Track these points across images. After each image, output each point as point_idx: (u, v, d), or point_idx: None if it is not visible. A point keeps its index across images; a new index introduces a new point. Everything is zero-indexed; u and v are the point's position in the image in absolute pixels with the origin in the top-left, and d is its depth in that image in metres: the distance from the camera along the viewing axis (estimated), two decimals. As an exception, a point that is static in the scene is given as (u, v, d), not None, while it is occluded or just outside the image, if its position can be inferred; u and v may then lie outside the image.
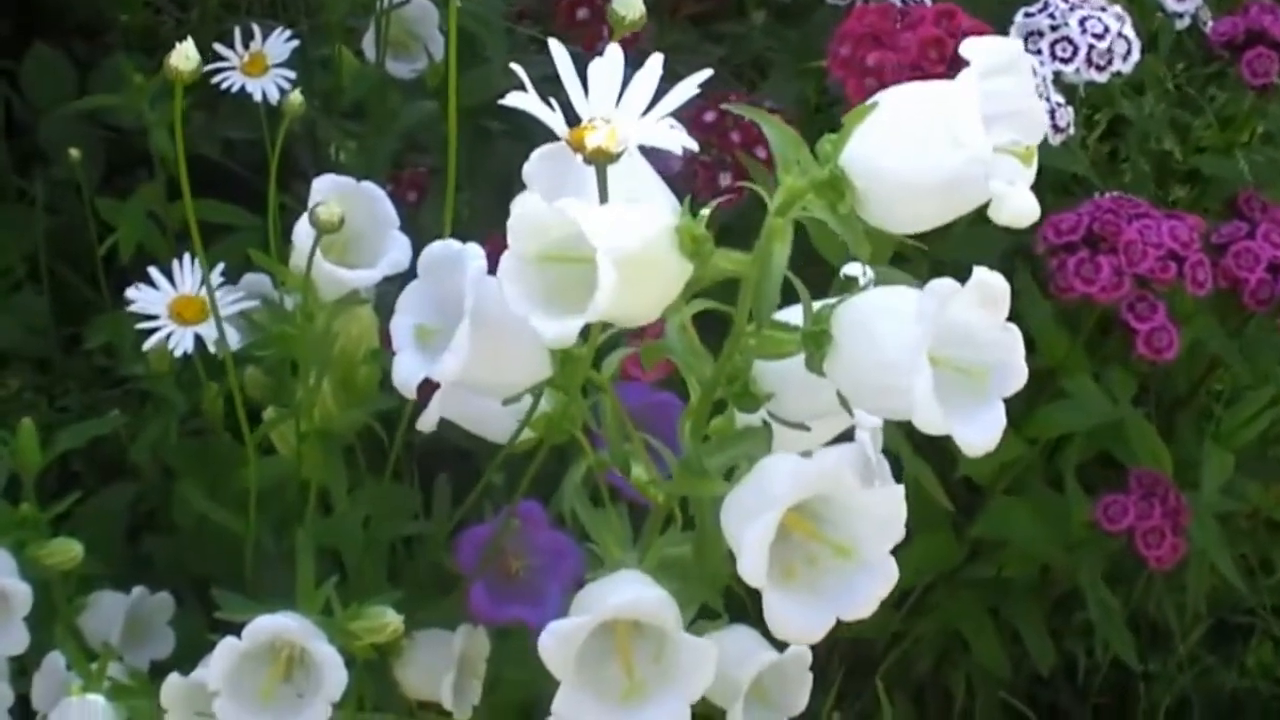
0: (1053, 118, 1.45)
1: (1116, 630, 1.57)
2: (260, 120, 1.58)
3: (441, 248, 1.05)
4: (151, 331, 1.35)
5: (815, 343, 0.94)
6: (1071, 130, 1.46)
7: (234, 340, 1.36)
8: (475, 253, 1.01)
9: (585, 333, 1.04)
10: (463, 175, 1.53)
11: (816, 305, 0.95)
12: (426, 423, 1.17)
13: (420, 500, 1.48)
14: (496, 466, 1.22)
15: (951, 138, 0.84)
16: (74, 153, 1.54)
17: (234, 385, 1.29)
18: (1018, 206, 0.87)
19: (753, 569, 0.93)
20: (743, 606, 1.17)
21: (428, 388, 1.16)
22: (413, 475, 1.54)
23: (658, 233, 0.89)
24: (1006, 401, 0.94)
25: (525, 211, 0.88)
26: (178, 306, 1.33)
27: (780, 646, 1.21)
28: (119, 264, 1.67)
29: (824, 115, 1.31)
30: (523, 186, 0.97)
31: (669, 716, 1.01)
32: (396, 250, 1.25)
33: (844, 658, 1.60)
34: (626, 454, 1.07)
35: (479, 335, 0.99)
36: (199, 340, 1.37)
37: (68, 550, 1.35)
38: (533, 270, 0.89)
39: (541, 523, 1.29)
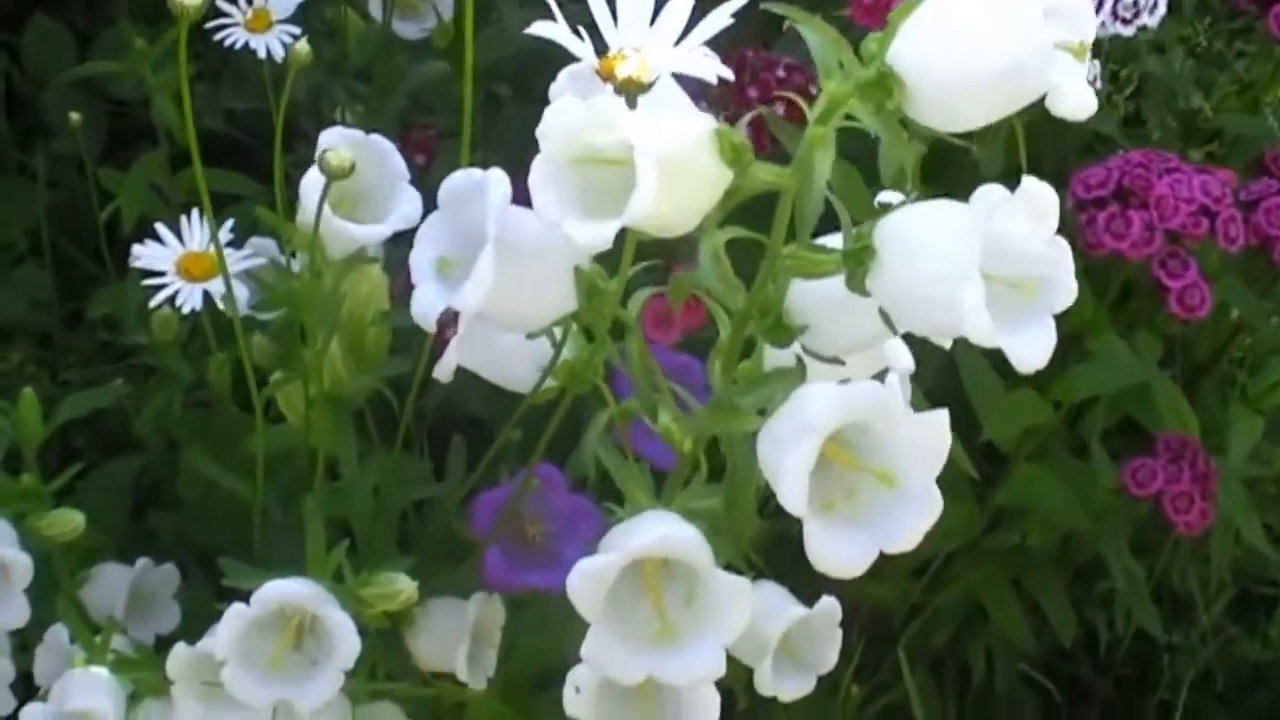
0: (1079, 72, 1.39)
1: (1140, 600, 1.51)
2: (262, 90, 1.53)
3: (463, 177, 0.99)
4: (157, 291, 1.28)
5: (857, 260, 0.88)
6: (1099, 84, 1.40)
7: (243, 300, 1.30)
8: (498, 179, 0.96)
9: (613, 268, 0.99)
10: (473, 138, 1.47)
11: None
12: (444, 371, 1.11)
13: (431, 470, 1.42)
14: (515, 422, 1.16)
15: (1010, 26, 0.79)
16: (74, 116, 1.48)
17: (243, 349, 1.22)
18: (1077, 99, 0.82)
19: (793, 496, 0.87)
20: (759, 575, 1.11)
21: (444, 340, 1.10)
22: (422, 446, 1.48)
23: (697, 136, 0.83)
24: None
25: (560, 112, 0.83)
26: (185, 263, 1.27)
27: (809, 603, 1.15)
28: (121, 239, 1.62)
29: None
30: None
31: (703, 659, 0.95)
32: (407, 205, 1.19)
33: (863, 629, 1.54)
34: (654, 400, 1.01)
35: (502, 263, 0.93)
36: (205, 307, 1.31)
37: (69, 521, 1.29)
38: (566, 176, 0.83)
39: (560, 486, 1.23)
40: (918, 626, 1.57)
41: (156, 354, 1.47)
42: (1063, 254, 0.88)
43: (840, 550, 0.90)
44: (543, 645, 1.32)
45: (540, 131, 0.83)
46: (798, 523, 0.90)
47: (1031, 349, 0.86)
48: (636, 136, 0.78)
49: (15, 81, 1.82)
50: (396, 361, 1.30)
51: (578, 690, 1.00)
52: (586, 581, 0.93)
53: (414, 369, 1.30)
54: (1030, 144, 1.37)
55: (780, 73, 1.42)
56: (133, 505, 1.57)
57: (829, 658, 1.15)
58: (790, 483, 0.87)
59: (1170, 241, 1.38)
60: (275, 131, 1.24)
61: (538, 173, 0.84)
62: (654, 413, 1.01)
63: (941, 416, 0.90)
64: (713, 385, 0.98)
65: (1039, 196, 0.86)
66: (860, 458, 0.91)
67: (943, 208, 0.86)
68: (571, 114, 0.82)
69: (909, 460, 0.91)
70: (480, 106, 1.53)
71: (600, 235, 0.82)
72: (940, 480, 0.96)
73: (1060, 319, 0.89)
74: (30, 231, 1.73)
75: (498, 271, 0.93)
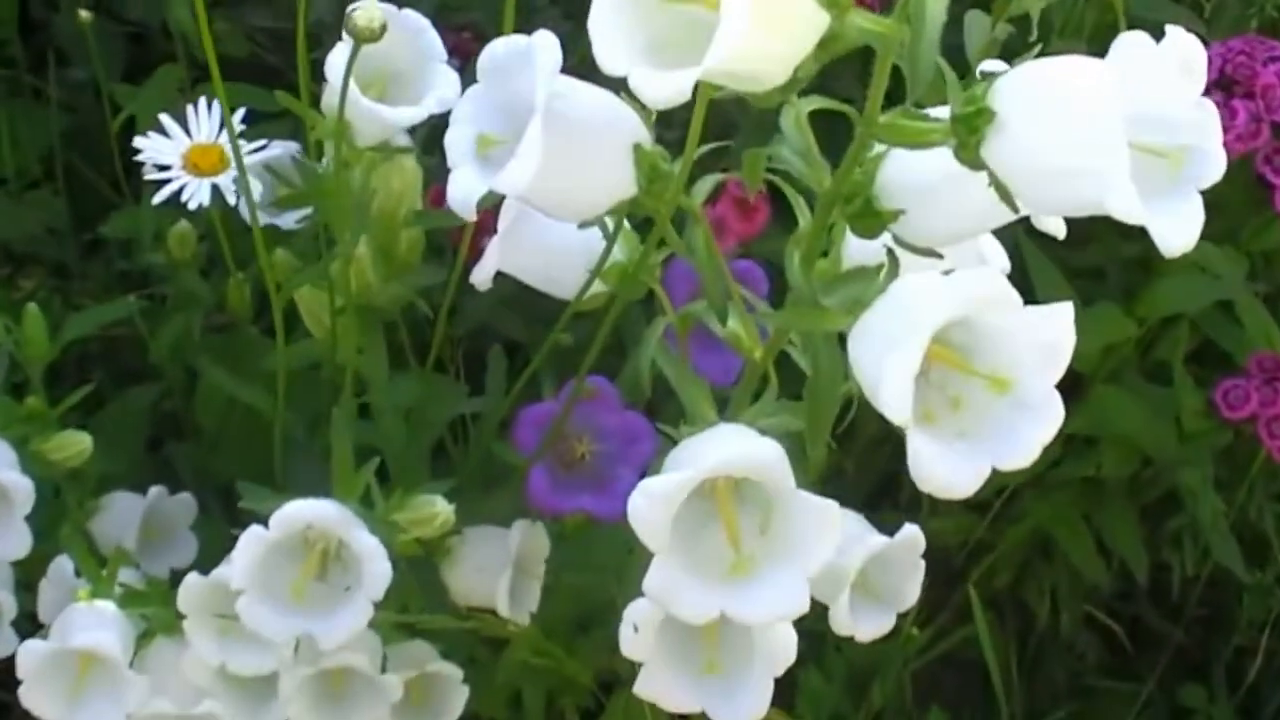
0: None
1: (1221, 536, 1.34)
2: (288, 10, 1.37)
3: (505, 44, 0.83)
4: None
5: (970, 125, 0.72)
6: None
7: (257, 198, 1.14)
8: (547, 43, 0.79)
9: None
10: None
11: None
12: (483, 275, 0.95)
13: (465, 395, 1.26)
14: (563, 325, 0.99)
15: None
16: (83, 14, 1.31)
17: (260, 249, 1.06)
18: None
19: (897, 401, 0.71)
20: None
21: (482, 240, 0.94)
22: (458, 372, 1.32)
23: (790, -38, 0.66)
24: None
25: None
26: (193, 156, 1.11)
27: (889, 532, 0.99)
28: (138, 167, 1.46)
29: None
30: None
31: (785, 595, 0.79)
32: (444, 85, 1.02)
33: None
34: (724, 299, 0.85)
35: (553, 137, 0.77)
36: (222, 226, 1.16)
37: (76, 444, 1.14)
38: (633, 17, 0.66)
39: (612, 401, 1.06)
40: (982, 565, 1.40)
41: (174, 274, 1.31)
42: (1211, 119, 0.71)
43: (949, 467, 0.73)
44: (586, 583, 1.17)
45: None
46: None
47: (1179, 228, 0.70)
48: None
49: (30, 4, 1.65)
50: (429, 270, 1.14)
51: (636, 629, 0.84)
52: (652, 504, 0.76)
53: (447, 284, 1.14)
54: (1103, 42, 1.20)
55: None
56: (149, 440, 1.41)
57: (910, 593, 0.99)
58: (894, 386, 0.71)
59: (1275, 136, 1.20)
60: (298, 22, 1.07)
61: (599, 15, 0.67)
62: (724, 312, 0.85)
63: (1064, 310, 0.74)
64: (791, 281, 0.82)
65: (1187, 48, 0.70)
66: (968, 359, 0.75)
67: (1077, 61, 0.70)
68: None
69: (1025, 361, 0.74)
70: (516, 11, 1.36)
71: (675, 87, 0.65)
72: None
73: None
74: (44, 158, 1.56)
75: (547, 147, 0.76)
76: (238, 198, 1.12)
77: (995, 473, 1.32)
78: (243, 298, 1.29)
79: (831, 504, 0.77)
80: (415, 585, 1.09)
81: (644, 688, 0.86)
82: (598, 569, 1.17)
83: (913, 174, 0.78)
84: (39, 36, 1.67)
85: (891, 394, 0.71)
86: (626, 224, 0.94)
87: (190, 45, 1.48)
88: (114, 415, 1.37)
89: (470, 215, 0.80)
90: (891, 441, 1.47)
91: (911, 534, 0.97)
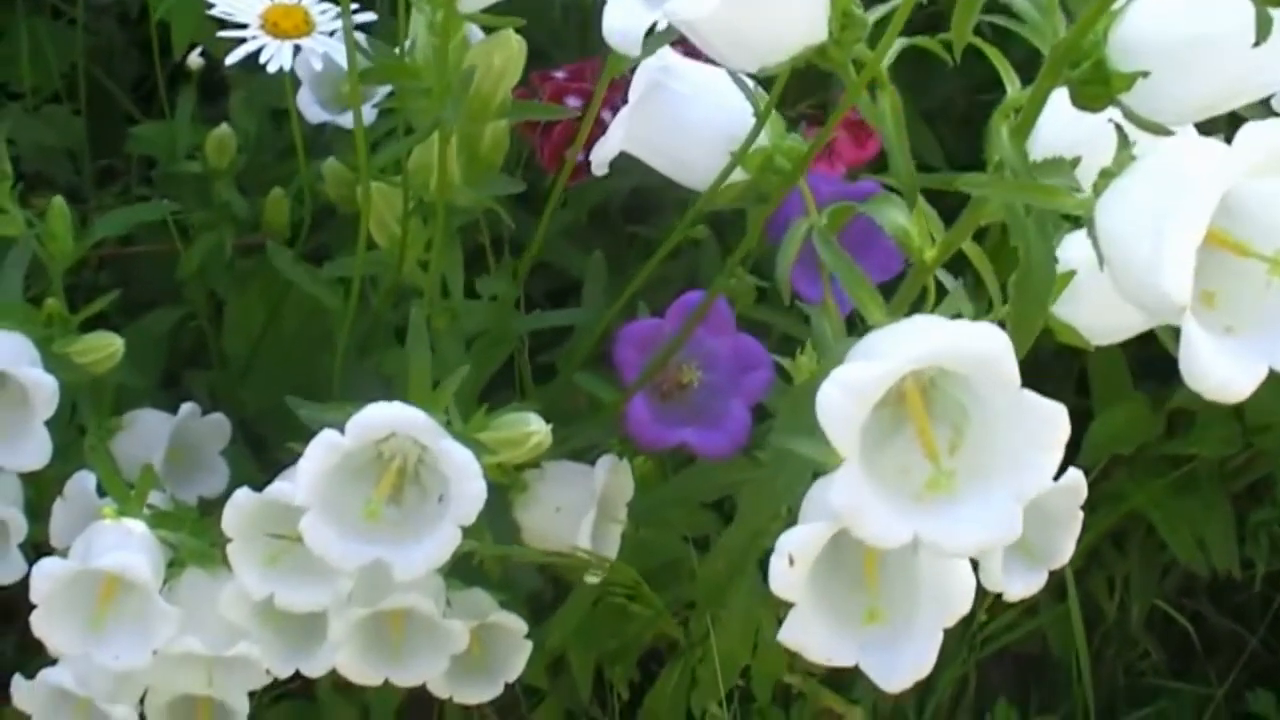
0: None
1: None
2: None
3: None
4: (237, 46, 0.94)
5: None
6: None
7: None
8: None
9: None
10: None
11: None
12: (605, 152, 0.79)
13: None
14: (691, 220, 0.83)
15: None
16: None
17: (361, 142, 0.88)
18: None
19: (1179, 277, 0.55)
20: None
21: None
22: (517, 304, 1.15)
23: None
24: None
25: None
26: (273, 15, 0.93)
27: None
28: (164, 90, 1.29)
29: None
30: None
31: (994, 517, 0.63)
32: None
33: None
34: (913, 173, 0.69)
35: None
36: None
37: (106, 346, 0.97)
38: None
39: (724, 323, 0.89)
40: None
41: (208, 185, 1.14)
42: None
43: (1226, 363, 0.57)
44: (661, 540, 1.00)
45: None
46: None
47: None
48: None
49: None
50: (505, 181, 0.96)
51: (791, 561, 0.67)
52: (848, 397, 0.60)
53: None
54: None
55: None
56: (165, 373, 1.22)
57: (1065, 548, 0.83)
58: (1176, 256, 0.55)
59: None
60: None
61: None
62: (914, 190, 0.68)
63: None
64: (1001, 156, 0.65)
65: None
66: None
67: None
68: None
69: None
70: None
71: None
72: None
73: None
74: (65, 75, 1.37)
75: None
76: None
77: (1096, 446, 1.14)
78: (280, 216, 1.12)
79: (1060, 408, 0.61)
80: (483, 522, 0.91)
81: (790, 635, 0.69)
82: (669, 524, 1.01)
83: (1152, 35, 0.63)
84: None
85: (1174, 268, 0.55)
86: (776, 113, 0.78)
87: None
88: (132, 340, 1.18)
89: (634, 49, 0.64)
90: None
91: (1075, 479, 0.81)
